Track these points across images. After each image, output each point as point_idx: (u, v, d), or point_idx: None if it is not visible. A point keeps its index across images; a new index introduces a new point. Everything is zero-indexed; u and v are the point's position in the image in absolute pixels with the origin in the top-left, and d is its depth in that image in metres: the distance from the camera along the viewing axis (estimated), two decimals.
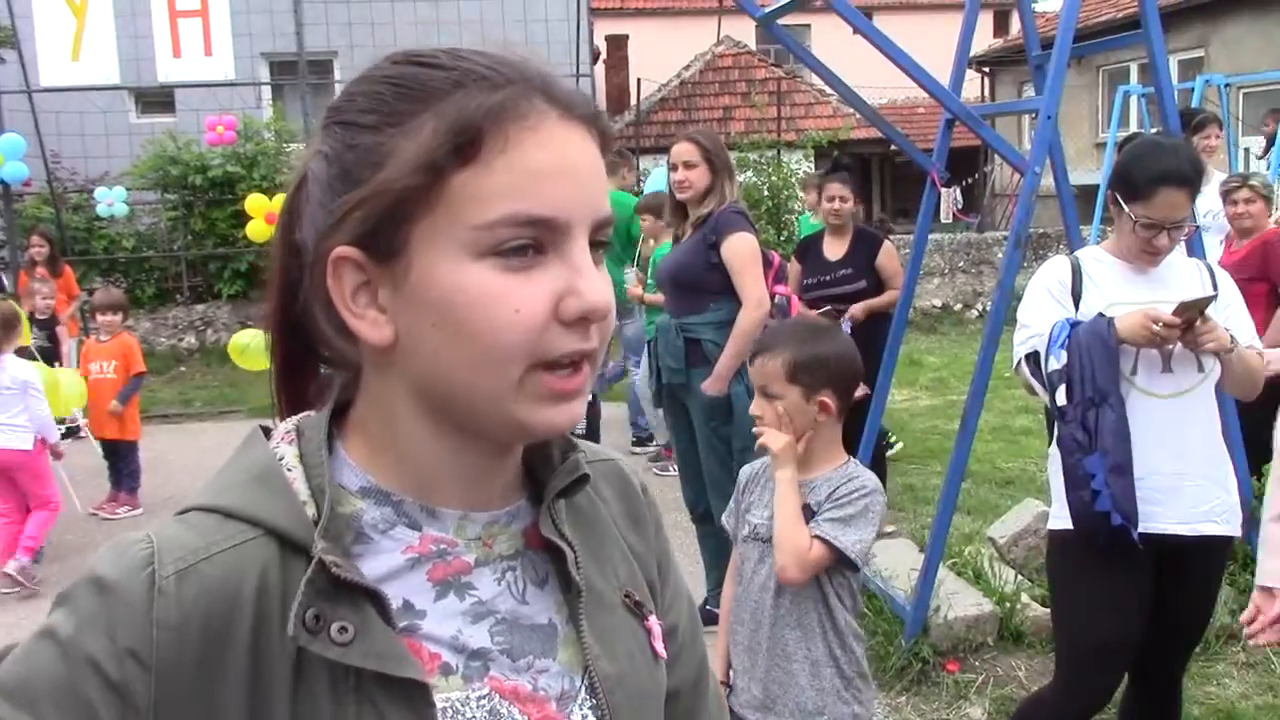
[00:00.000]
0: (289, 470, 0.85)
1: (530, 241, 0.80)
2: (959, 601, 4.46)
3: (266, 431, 0.90)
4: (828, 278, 5.92)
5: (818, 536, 2.44)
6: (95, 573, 0.79)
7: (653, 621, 1.00)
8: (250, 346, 7.02)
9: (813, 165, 14.93)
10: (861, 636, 2.63)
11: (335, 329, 0.85)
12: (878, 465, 5.90)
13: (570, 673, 0.91)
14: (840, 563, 2.47)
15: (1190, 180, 2.82)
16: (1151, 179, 2.80)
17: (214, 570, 0.78)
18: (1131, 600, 2.87)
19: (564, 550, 0.92)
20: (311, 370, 0.95)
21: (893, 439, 7.58)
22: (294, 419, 0.91)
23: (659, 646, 0.99)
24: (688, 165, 4.51)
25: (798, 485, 2.53)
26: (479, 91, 0.80)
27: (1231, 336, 2.79)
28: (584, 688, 0.91)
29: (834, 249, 5.94)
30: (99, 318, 7.07)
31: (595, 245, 0.84)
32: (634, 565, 1.02)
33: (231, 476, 0.86)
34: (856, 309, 5.77)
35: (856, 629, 2.60)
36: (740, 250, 4.38)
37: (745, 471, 2.80)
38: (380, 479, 0.87)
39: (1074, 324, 2.85)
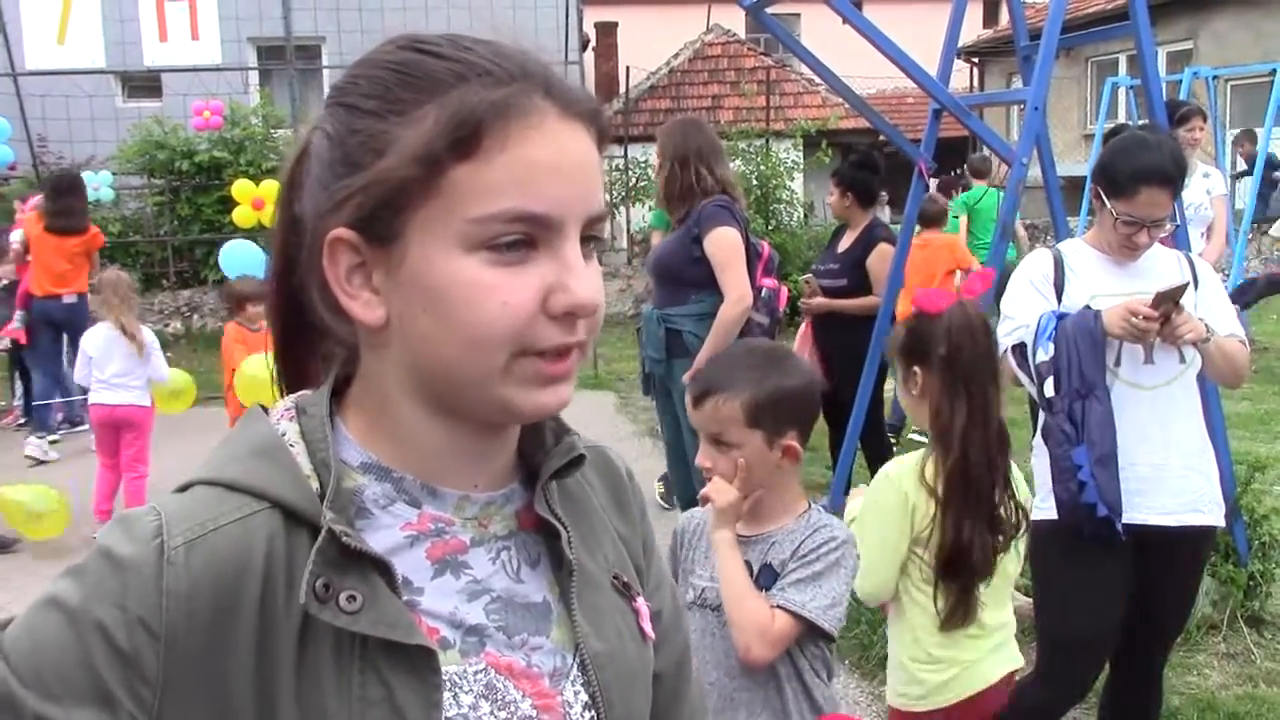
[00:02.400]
0: (291, 445, 0.86)
1: (523, 236, 0.81)
2: None
3: (265, 410, 0.91)
4: (821, 268, 5.94)
5: (780, 607, 2.03)
6: (104, 545, 0.79)
7: (640, 602, 1.01)
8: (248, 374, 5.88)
9: (801, 155, 14.90)
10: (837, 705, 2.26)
11: (329, 307, 0.87)
12: (882, 455, 5.88)
13: (562, 650, 0.93)
14: (811, 632, 2.07)
15: (1173, 179, 2.81)
16: (1134, 176, 2.78)
17: (222, 541, 0.79)
18: (1113, 592, 2.88)
19: (557, 530, 0.94)
20: (310, 346, 0.96)
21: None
22: (293, 397, 0.92)
23: (646, 627, 1.01)
24: (659, 167, 4.57)
25: (738, 547, 2.13)
26: (482, 86, 0.81)
27: (1208, 326, 2.79)
28: (575, 665, 0.93)
29: (844, 241, 5.92)
30: (249, 308, 6.30)
31: (587, 240, 0.85)
32: (621, 549, 1.04)
33: (233, 451, 0.86)
34: (816, 301, 5.76)
35: (835, 701, 2.22)
36: (722, 244, 4.37)
37: (682, 522, 2.35)
38: (380, 456, 0.88)
39: (1060, 316, 2.85)
